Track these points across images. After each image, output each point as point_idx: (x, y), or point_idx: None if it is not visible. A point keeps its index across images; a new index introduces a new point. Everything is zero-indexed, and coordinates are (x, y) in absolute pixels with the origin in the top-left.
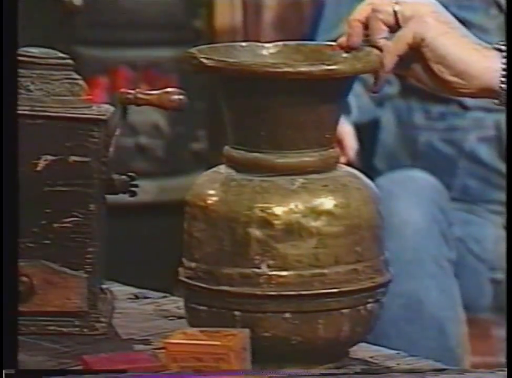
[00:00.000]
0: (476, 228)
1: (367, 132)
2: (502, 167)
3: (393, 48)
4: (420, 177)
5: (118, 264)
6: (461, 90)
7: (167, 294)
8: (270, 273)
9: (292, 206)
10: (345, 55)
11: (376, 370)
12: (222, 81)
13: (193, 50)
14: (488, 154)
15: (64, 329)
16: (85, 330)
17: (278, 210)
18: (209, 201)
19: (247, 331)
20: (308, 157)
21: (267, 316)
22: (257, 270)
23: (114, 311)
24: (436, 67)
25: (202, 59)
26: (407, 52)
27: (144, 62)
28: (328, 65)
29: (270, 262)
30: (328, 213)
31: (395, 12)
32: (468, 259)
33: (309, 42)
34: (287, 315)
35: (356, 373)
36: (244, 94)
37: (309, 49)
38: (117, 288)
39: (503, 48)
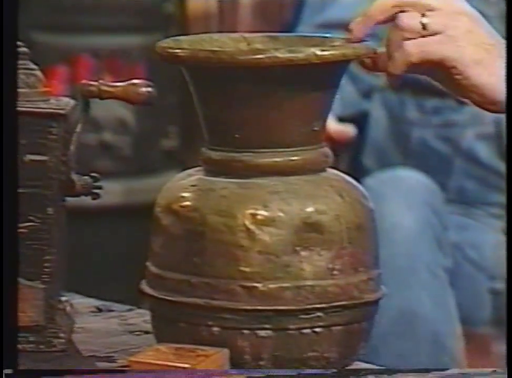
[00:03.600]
0: (474, 232)
1: (355, 127)
2: (502, 166)
3: (408, 57)
4: (412, 177)
5: (79, 274)
6: (496, 112)
7: (133, 307)
8: (151, 270)
9: (159, 199)
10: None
11: (354, 372)
12: (197, 73)
13: (165, 41)
14: (486, 152)
15: (18, 346)
16: (41, 346)
17: (159, 201)
18: None
19: (226, 351)
20: (292, 157)
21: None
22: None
23: (74, 325)
24: (469, 94)
25: (174, 50)
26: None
27: (108, 50)
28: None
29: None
30: (174, 212)
31: (423, 25)
32: (465, 266)
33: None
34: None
35: (334, 373)
36: (225, 86)
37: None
38: (78, 300)
39: None
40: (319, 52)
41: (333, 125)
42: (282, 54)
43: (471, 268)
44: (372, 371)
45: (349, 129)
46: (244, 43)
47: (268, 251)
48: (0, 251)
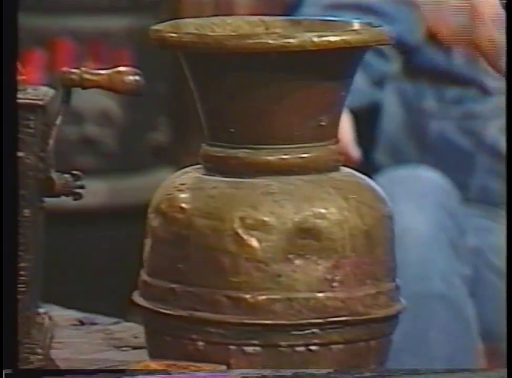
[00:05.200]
0: (497, 236)
1: (366, 119)
2: None
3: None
4: (425, 176)
5: (58, 283)
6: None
7: (119, 320)
8: (142, 277)
9: (152, 199)
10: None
11: (346, 371)
12: (191, 60)
13: (162, 25)
14: None
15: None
16: (16, 364)
17: (152, 201)
18: None
19: (223, 368)
20: (296, 154)
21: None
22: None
23: (53, 340)
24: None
25: (164, 34)
26: None
27: (91, 33)
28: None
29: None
30: (162, 214)
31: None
32: (488, 274)
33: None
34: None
35: (329, 373)
36: (218, 74)
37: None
38: (57, 312)
39: None
40: (316, 39)
41: (349, 140)
42: (274, 40)
43: (494, 276)
44: (399, 372)
45: (356, 152)
46: (262, 27)
47: (257, 259)
48: (1, 251)
